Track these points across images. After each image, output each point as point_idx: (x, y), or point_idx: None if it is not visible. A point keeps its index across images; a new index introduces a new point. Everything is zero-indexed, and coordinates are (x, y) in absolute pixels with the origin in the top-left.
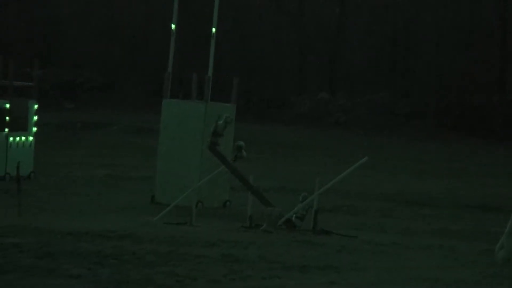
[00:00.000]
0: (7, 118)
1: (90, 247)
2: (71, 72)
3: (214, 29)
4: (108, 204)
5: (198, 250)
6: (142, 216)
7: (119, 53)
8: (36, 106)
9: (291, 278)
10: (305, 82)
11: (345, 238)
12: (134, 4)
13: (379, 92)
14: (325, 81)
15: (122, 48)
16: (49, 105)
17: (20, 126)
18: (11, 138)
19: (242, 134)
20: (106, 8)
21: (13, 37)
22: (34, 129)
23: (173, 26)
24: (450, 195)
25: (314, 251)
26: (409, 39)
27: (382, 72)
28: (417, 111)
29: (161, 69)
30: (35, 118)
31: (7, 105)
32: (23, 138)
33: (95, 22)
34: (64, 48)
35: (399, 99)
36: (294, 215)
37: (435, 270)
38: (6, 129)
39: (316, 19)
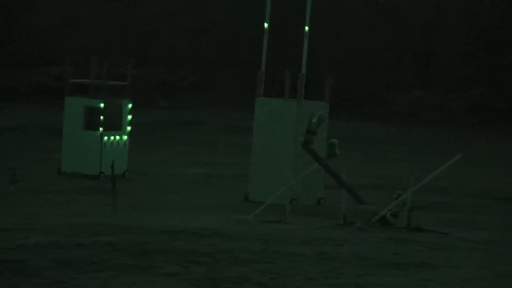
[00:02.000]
0: (102, 117)
1: (185, 245)
2: (165, 71)
3: (307, 28)
4: (202, 202)
5: (293, 248)
6: (236, 214)
7: (213, 51)
8: (130, 105)
9: (386, 275)
10: (399, 79)
11: (439, 235)
12: (227, 2)
13: (474, 88)
14: (419, 78)
15: (215, 46)
16: (144, 104)
17: (114, 125)
18: (106, 137)
19: (335, 131)
20: (199, 6)
21: (108, 37)
22: (128, 128)
23: (266, 24)
24: None
25: (408, 249)
26: (505, 34)
27: (478, 67)
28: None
29: (254, 67)
30: (129, 117)
31: (101, 105)
32: (117, 137)
33: (188, 21)
34: (158, 47)
35: (494, 95)
36: (388, 213)
37: None
38: (101, 128)
39: (410, 14)
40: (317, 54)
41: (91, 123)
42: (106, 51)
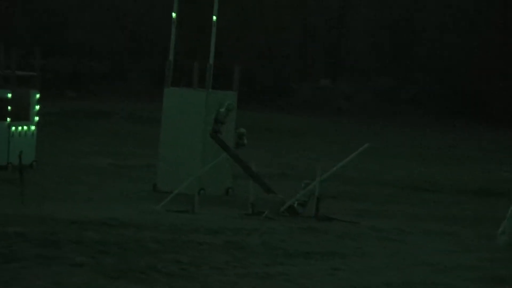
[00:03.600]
0: (9, 107)
1: (94, 236)
2: (74, 61)
3: (215, 17)
4: (111, 192)
5: (201, 238)
6: (145, 204)
7: (122, 42)
8: (38, 96)
9: (294, 264)
10: (307, 69)
11: (348, 224)
12: None
13: (382, 78)
14: (327, 67)
15: (125, 36)
16: (52, 94)
17: (22, 116)
18: (13, 128)
19: (244, 121)
20: None
21: (16, 26)
22: (36, 118)
23: (173, 14)
24: (453, 180)
25: (316, 238)
26: (412, 24)
27: (385, 58)
28: (420, 97)
29: (164, 57)
30: (37, 107)
31: (9, 95)
32: (25, 127)
33: (98, 11)
34: (67, 37)
35: (402, 85)
36: (296, 202)
37: (438, 255)
38: (8, 119)
39: (318, 5)
40: (226, 44)
41: None
42: (15, 42)
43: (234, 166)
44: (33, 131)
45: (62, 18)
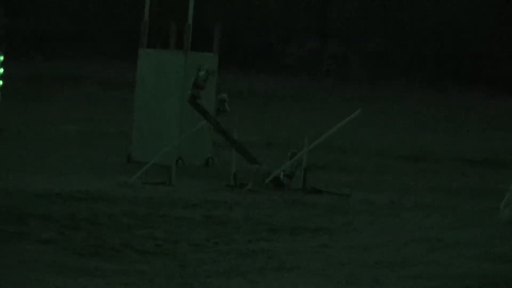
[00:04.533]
0: None
1: (63, 210)
2: (41, 21)
3: None
4: (82, 163)
5: (179, 212)
6: (118, 176)
7: (93, 0)
8: (1, 58)
9: (280, 241)
10: (293, 29)
11: (338, 197)
12: None
13: (373, 40)
14: (315, 28)
15: None
16: (17, 56)
17: None
18: None
19: (225, 86)
20: None
21: None
22: (0, 82)
23: None
24: (450, 149)
25: (304, 212)
26: None
27: (377, 18)
28: (414, 61)
29: (138, 17)
30: (1, 70)
31: None
32: None
33: None
34: None
35: (395, 48)
36: (282, 173)
37: (435, 230)
38: None
39: None
40: (206, 3)
41: None
42: None
43: (215, 135)
44: None
45: None
